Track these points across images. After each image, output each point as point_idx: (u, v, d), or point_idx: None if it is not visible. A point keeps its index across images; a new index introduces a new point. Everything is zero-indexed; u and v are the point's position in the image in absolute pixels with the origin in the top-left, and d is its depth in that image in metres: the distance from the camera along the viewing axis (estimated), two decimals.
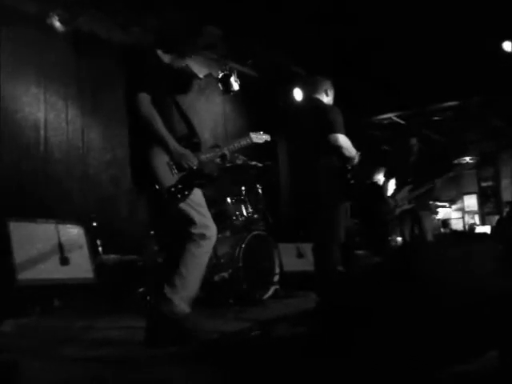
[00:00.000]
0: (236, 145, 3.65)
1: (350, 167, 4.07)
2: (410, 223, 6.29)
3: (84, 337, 3.43)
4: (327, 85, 4.35)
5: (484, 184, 13.82)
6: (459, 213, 14.05)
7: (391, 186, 6.57)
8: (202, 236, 3.10)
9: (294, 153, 4.53)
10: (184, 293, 3.06)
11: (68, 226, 5.20)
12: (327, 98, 4.33)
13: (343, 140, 4.00)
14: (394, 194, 6.37)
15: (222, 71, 7.43)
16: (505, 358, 1.89)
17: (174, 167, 3.08)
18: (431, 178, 6.19)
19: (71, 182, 5.98)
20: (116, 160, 6.47)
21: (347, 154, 4.03)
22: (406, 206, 6.21)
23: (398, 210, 6.26)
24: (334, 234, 3.97)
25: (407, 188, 6.25)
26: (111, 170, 6.43)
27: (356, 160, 4.13)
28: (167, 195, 3.01)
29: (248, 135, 3.83)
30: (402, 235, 6.43)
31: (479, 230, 12.82)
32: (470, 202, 14.00)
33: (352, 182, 4.04)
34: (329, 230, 4.00)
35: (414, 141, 6.49)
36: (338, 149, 3.99)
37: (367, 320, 2.07)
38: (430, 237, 6.21)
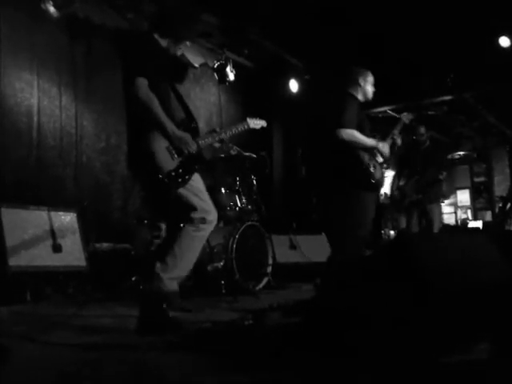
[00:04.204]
0: (233, 130, 3.65)
1: (364, 158, 4.05)
2: (417, 215, 6.22)
3: (76, 324, 3.42)
4: (358, 74, 4.27)
5: (477, 179, 13.90)
6: (452, 207, 14.12)
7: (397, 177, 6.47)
8: (203, 220, 3.11)
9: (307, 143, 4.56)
10: (174, 273, 3.06)
11: (60, 213, 5.17)
12: (362, 89, 4.26)
13: (347, 134, 3.97)
14: (403, 185, 6.29)
15: (218, 61, 7.40)
16: (498, 349, 1.90)
17: (173, 152, 3.06)
18: (440, 168, 6.14)
19: (64, 168, 5.93)
20: (110, 147, 6.43)
21: (360, 146, 4.03)
22: (414, 197, 6.14)
23: (406, 201, 6.20)
24: (352, 225, 3.99)
25: (415, 178, 6.18)
26: (105, 157, 6.38)
27: (379, 146, 4.14)
28: (168, 180, 3.00)
29: (245, 120, 3.83)
30: (408, 227, 6.32)
31: (471, 225, 12.88)
32: (463, 197, 14.07)
33: (371, 170, 4.03)
34: (343, 220, 4.03)
35: (422, 129, 6.39)
36: (346, 143, 3.99)
37: (365, 313, 2.07)
38: (437, 229, 6.15)
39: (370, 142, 4.12)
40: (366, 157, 4.07)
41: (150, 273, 3.05)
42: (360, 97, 4.27)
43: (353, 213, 4.01)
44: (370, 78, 4.32)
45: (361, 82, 4.26)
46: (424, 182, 6.14)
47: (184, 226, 3.09)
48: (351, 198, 4.02)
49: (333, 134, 3.97)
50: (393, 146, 4.33)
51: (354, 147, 4.03)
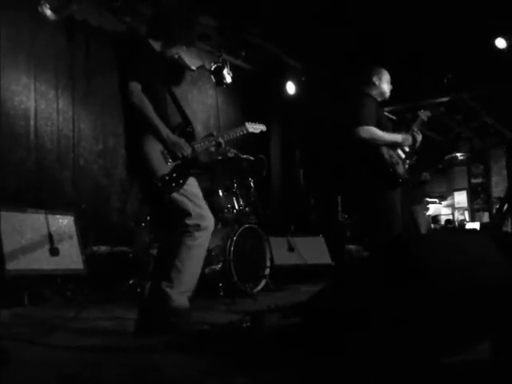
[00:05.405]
0: (231, 134, 3.59)
1: (386, 155, 4.01)
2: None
3: (76, 326, 3.41)
4: (372, 73, 4.25)
5: (474, 181, 13.91)
6: (449, 209, 14.13)
7: None
8: (197, 227, 3.06)
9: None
10: (181, 287, 3.02)
11: (58, 216, 5.16)
12: (377, 88, 4.24)
13: (366, 132, 3.96)
14: None
15: (215, 63, 7.41)
16: (498, 349, 1.90)
17: (168, 156, 3.04)
18: (422, 170, 6.19)
19: (62, 172, 5.92)
20: (107, 150, 6.42)
21: (382, 143, 4.01)
22: None
23: None
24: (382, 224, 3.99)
25: None
26: (102, 160, 6.38)
27: (403, 140, 4.13)
28: (161, 184, 2.99)
29: (244, 125, 3.79)
30: None
31: (469, 226, 12.90)
32: (460, 198, 14.09)
33: (395, 168, 3.99)
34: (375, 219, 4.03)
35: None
36: (367, 142, 3.97)
37: (365, 313, 2.07)
38: (423, 231, 6.20)
39: (391, 137, 4.09)
40: (387, 154, 4.02)
41: (157, 291, 3.01)
42: (377, 96, 4.24)
43: (378, 213, 4.00)
44: (386, 76, 4.28)
45: (375, 81, 4.23)
46: (409, 184, 6.18)
47: (180, 236, 3.05)
48: (376, 199, 4.00)
49: (352, 133, 3.95)
50: (413, 143, 4.28)
51: (375, 145, 4.00)
